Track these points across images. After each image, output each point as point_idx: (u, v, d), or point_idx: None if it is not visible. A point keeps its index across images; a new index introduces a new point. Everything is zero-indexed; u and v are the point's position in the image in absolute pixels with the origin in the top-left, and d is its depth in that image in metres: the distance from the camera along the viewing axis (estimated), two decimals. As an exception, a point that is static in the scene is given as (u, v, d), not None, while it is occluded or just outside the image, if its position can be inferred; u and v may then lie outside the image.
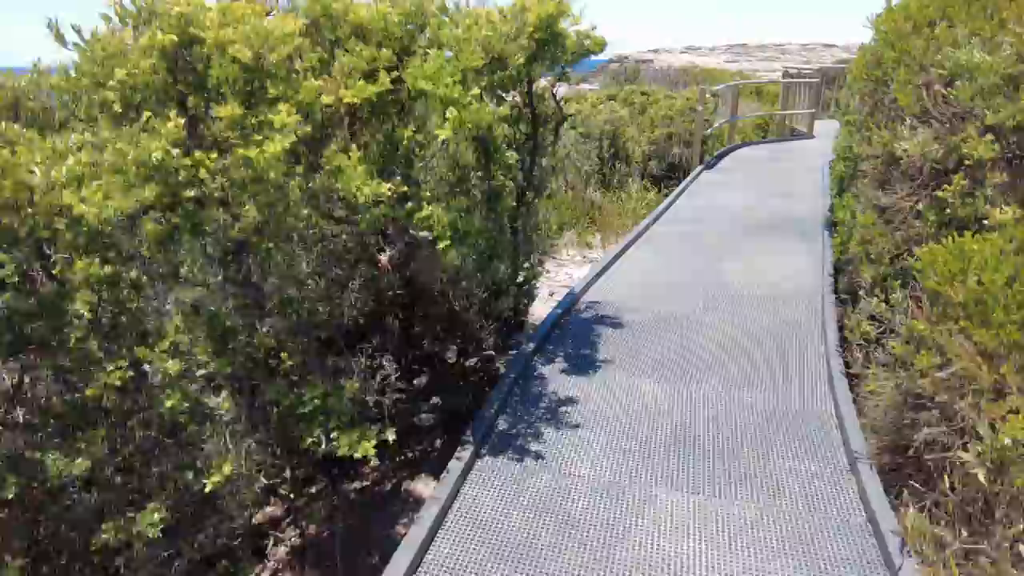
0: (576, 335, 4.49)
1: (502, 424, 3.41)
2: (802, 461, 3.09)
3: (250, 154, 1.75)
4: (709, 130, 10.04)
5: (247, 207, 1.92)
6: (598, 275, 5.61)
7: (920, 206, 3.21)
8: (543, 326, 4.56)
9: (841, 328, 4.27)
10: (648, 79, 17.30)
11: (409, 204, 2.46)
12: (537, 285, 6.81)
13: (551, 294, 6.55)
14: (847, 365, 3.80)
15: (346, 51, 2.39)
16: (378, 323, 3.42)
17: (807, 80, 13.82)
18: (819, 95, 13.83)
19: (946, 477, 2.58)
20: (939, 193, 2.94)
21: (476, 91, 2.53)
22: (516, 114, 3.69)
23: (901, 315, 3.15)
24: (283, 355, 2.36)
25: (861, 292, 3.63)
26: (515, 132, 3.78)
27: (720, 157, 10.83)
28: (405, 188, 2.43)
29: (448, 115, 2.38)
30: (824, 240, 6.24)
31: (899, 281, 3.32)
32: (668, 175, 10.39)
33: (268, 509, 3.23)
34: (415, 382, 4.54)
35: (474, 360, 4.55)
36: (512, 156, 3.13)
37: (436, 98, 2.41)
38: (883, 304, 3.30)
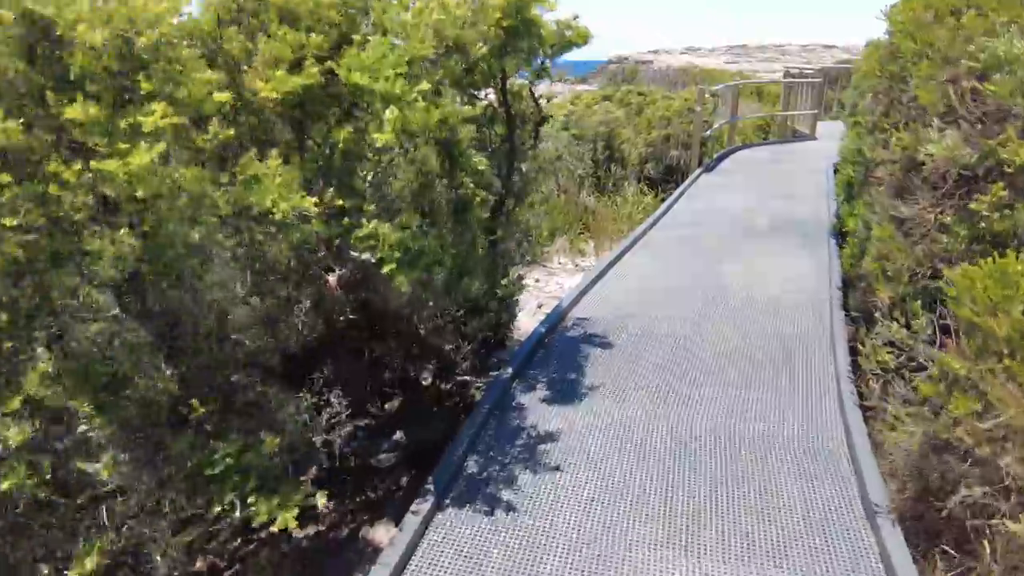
0: (562, 356, 4.09)
1: (471, 466, 3.01)
2: (812, 509, 2.69)
3: (107, 167, 1.37)
4: (708, 132, 9.66)
5: (123, 231, 1.53)
6: (587, 287, 5.22)
7: (947, 218, 2.81)
8: (525, 346, 4.16)
9: (853, 350, 3.87)
10: (647, 80, 16.89)
11: (346, 220, 2.07)
12: (522, 298, 6.43)
13: (539, 306, 6.15)
14: (860, 395, 3.40)
15: (269, 37, 2.01)
16: (330, 349, 3.02)
17: (809, 80, 13.42)
18: (821, 96, 13.43)
19: (986, 543, 2.18)
20: (972, 205, 2.54)
21: (424, 86, 2.13)
22: (490, 114, 3.29)
23: (925, 344, 2.75)
24: (193, 403, 1.96)
25: (877, 314, 3.23)
26: (489, 134, 3.38)
27: (720, 159, 10.43)
28: (341, 201, 2.04)
29: (388, 115, 1.98)
30: (831, 248, 5.84)
31: (921, 303, 2.92)
32: (665, 178, 10.00)
33: (199, 566, 2.83)
34: (387, 406, 4.15)
35: (450, 384, 4.15)
36: (481, 162, 2.74)
37: (375, 95, 2.02)
38: (903, 330, 2.89)
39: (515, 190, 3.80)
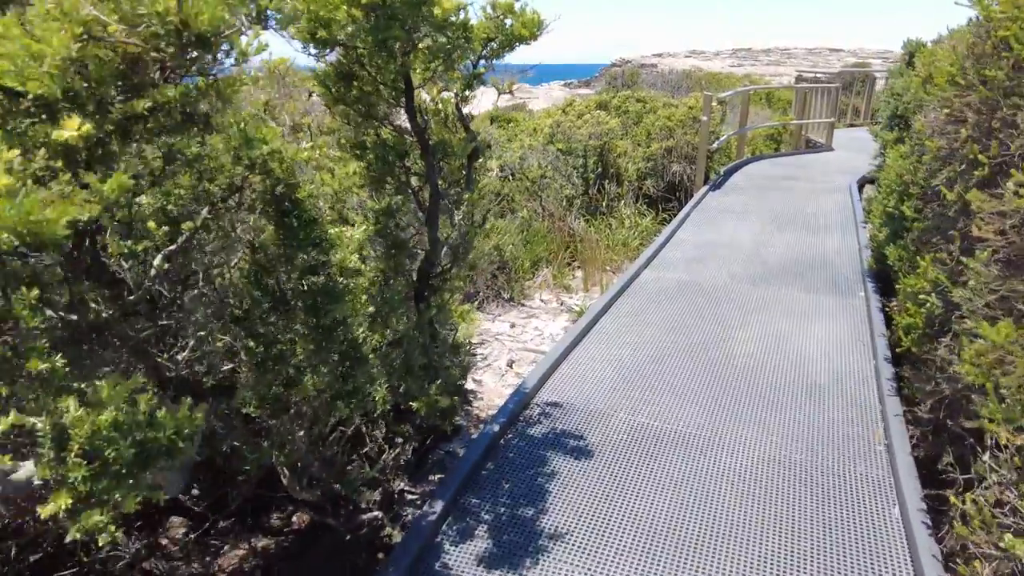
0: (518, 471, 2.97)
1: None
2: None
3: None
4: (715, 144, 8.53)
5: None
6: (560, 358, 4.08)
7: None
8: (468, 457, 3.02)
9: (925, 472, 2.73)
10: (648, 84, 15.81)
11: None
12: (492, 350, 5.29)
13: (511, 364, 5.02)
14: (947, 566, 2.26)
15: None
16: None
17: (824, 85, 12.29)
18: (837, 102, 12.29)
19: None
20: None
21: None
22: (377, 147, 2.17)
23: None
24: None
25: (985, 458, 2.09)
26: (398, 173, 2.27)
27: (728, 174, 9.30)
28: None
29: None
30: (870, 304, 4.68)
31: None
32: (667, 196, 8.86)
33: None
34: None
35: (354, 515, 3.01)
36: (337, 232, 1.63)
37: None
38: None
39: (449, 246, 2.68)
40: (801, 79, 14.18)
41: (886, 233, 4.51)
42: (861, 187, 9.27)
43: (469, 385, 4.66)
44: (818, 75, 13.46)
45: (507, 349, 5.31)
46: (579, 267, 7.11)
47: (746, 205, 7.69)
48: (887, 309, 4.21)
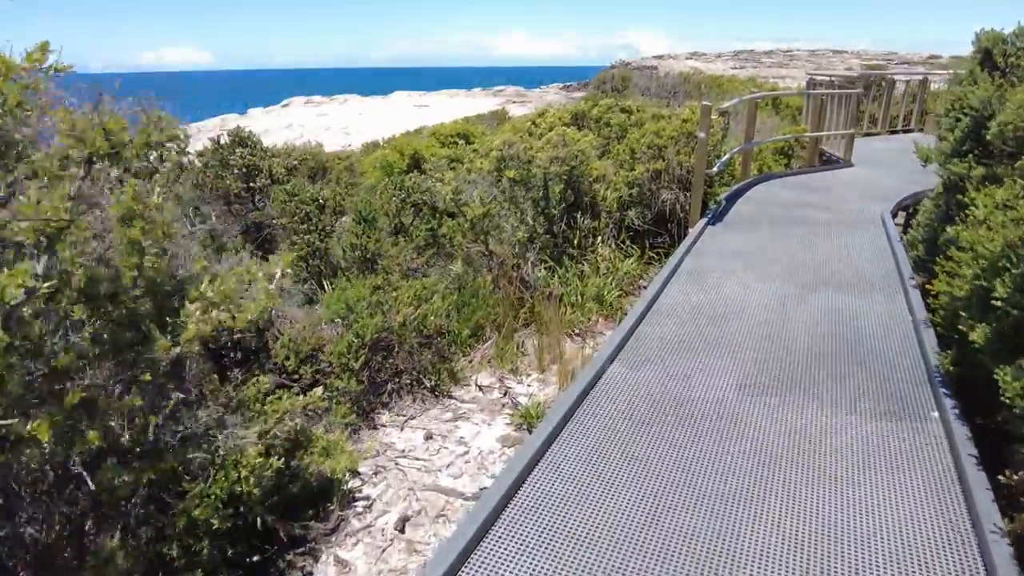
0: None
1: None
2: None
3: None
4: (716, 167, 6.85)
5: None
6: (490, 523, 2.41)
7: None
8: None
9: None
10: (641, 88, 14.09)
11: None
12: (381, 493, 3.62)
13: (403, 525, 3.32)
14: None
15: None
16: None
17: (843, 91, 10.61)
18: (858, 110, 10.61)
19: None
20: None
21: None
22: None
23: None
24: None
25: None
26: None
27: (731, 200, 7.61)
28: None
29: None
30: (956, 444, 2.97)
31: None
32: (656, 230, 7.19)
33: None
34: None
35: None
36: None
37: None
38: None
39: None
40: (814, 83, 12.50)
41: (985, 335, 2.82)
42: (894, 215, 7.58)
43: (327, 573, 2.98)
44: (832, 78, 11.79)
45: (407, 487, 3.62)
46: (536, 333, 5.43)
47: (754, 247, 6.01)
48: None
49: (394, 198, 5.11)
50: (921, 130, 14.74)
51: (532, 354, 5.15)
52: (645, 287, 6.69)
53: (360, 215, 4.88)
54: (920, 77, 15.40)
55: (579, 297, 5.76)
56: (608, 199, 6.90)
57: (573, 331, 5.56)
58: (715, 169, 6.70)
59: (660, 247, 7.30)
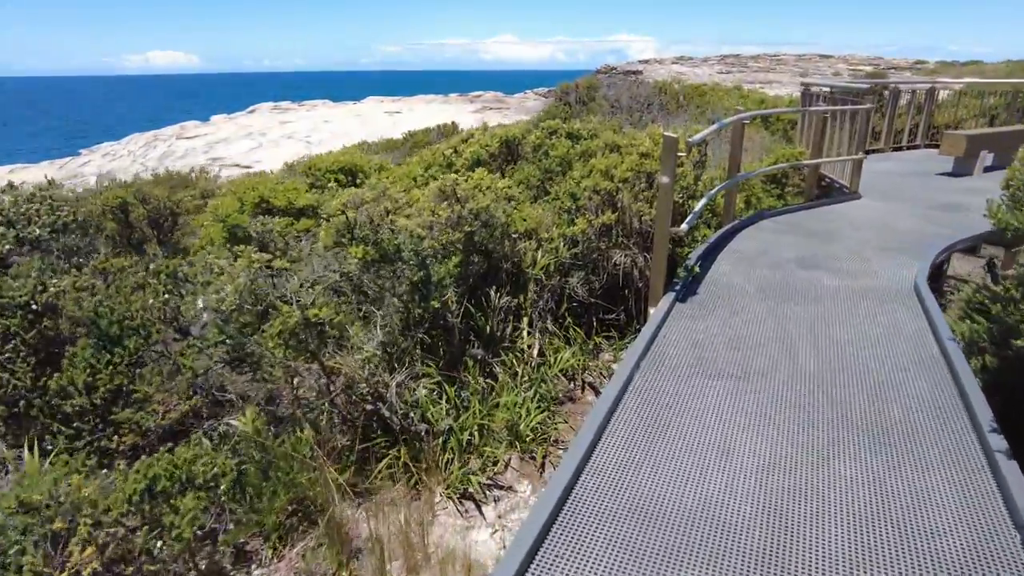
0: None
1: None
2: None
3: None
4: (687, 222, 4.90)
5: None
6: None
7: None
8: None
9: None
10: (611, 99, 12.10)
11: None
12: None
13: None
14: None
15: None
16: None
17: (844, 107, 8.75)
18: (867, 128, 8.75)
19: None
20: None
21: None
22: None
23: None
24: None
25: None
26: None
27: (710, 256, 5.68)
28: None
29: None
30: None
31: None
32: (607, 304, 5.27)
33: None
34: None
35: None
36: None
37: None
38: None
39: None
40: (810, 95, 10.62)
41: None
42: (934, 273, 5.68)
43: None
44: (832, 90, 9.94)
45: None
46: (405, 498, 3.46)
47: (739, 348, 4.08)
48: None
49: (156, 299, 3.17)
50: (932, 146, 12.96)
51: (395, 536, 3.17)
52: (591, 387, 4.77)
53: (100, 332, 2.93)
54: (927, 87, 13.62)
55: (478, 432, 3.81)
56: (540, 262, 4.96)
57: (464, 492, 3.60)
58: (684, 226, 4.75)
59: (611, 326, 5.37)
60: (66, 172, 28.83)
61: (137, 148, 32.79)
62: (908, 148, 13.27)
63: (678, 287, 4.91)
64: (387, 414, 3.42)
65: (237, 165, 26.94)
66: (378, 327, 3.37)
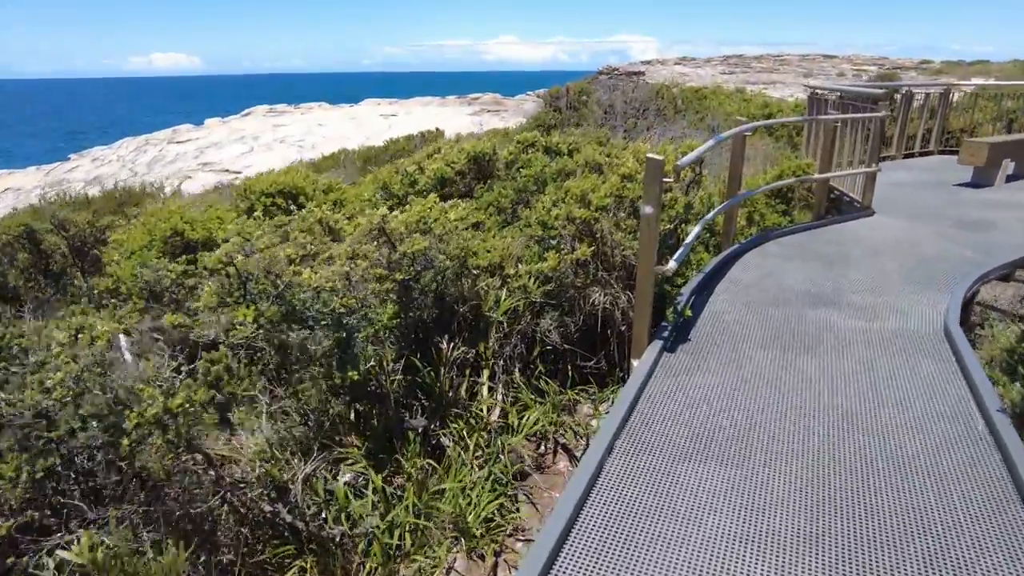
0: None
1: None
2: None
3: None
4: (675, 259, 4.12)
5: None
6: None
7: None
8: None
9: None
10: (603, 106, 11.31)
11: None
12: None
13: None
14: None
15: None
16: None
17: (856, 115, 7.98)
18: (881, 137, 7.98)
19: None
20: None
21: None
22: None
23: None
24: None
25: None
26: None
27: (702, 294, 4.92)
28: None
29: None
30: None
31: None
32: (585, 352, 4.51)
33: None
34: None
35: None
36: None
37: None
38: None
39: None
40: (817, 99, 9.84)
41: None
42: (964, 306, 4.90)
43: None
44: (841, 94, 9.17)
45: None
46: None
47: (739, 424, 3.32)
48: None
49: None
50: (946, 153, 12.18)
51: None
52: (565, 450, 4.04)
53: None
54: (941, 89, 12.83)
55: (411, 533, 3.06)
56: (504, 304, 4.21)
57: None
58: (673, 263, 3.99)
59: (590, 373, 4.63)
60: (52, 178, 28.17)
61: (127, 153, 32.13)
62: (920, 155, 12.49)
63: (667, 333, 4.16)
64: (289, 518, 2.67)
65: (227, 170, 26.24)
66: (264, 416, 2.63)
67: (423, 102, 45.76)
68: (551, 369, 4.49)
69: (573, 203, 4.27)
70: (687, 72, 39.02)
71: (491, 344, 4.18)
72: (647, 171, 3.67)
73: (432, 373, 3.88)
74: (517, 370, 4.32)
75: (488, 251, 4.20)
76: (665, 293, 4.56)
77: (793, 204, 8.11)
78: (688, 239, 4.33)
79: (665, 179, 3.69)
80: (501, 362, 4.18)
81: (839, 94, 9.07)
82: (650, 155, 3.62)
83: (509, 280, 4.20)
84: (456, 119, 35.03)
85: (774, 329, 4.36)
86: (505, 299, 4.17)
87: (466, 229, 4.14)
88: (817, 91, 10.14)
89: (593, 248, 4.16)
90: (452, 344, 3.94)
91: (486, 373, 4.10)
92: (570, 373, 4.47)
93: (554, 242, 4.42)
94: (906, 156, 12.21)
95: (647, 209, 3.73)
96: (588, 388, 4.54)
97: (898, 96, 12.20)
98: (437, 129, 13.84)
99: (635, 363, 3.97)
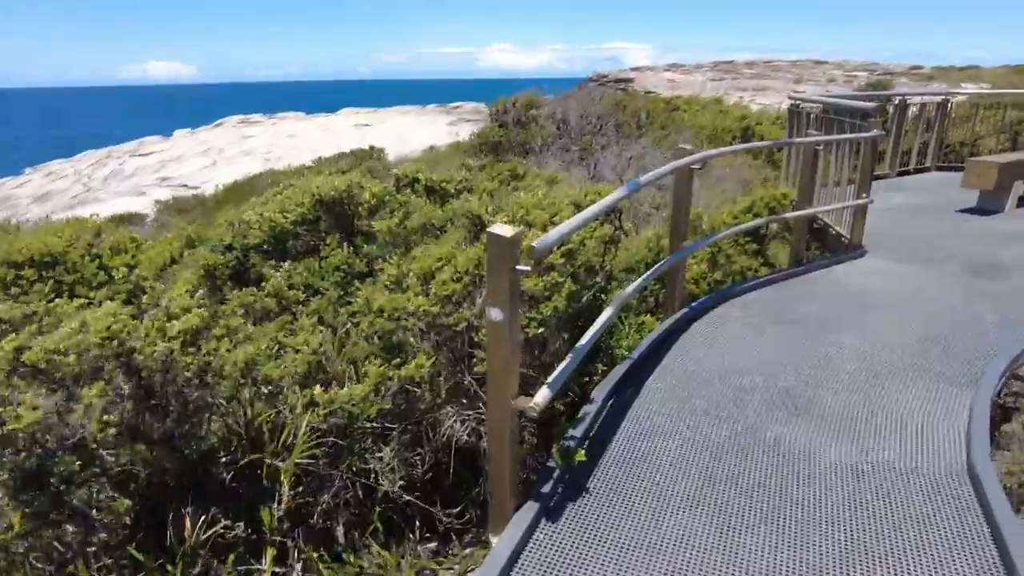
0: None
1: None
2: None
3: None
4: (547, 387, 2.65)
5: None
6: None
7: None
8: None
9: None
10: (555, 121, 9.77)
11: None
12: None
13: None
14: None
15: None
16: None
17: (843, 136, 6.59)
18: (874, 161, 6.56)
19: None
20: None
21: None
22: None
23: None
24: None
25: None
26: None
27: (621, 395, 3.47)
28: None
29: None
30: None
31: None
32: (429, 508, 3.06)
33: None
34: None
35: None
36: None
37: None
38: None
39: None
40: (799, 112, 8.43)
41: None
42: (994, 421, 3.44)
43: None
44: (825, 105, 7.76)
45: None
46: None
47: None
48: None
49: None
50: (944, 169, 10.82)
51: None
52: None
53: None
54: (939, 98, 11.45)
55: None
56: (300, 447, 2.76)
57: None
58: (540, 397, 2.52)
59: (455, 527, 3.18)
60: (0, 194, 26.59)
61: (85, 167, 30.58)
62: (916, 171, 11.10)
63: (548, 487, 2.71)
64: None
65: (185, 186, 24.75)
66: None
67: (402, 111, 44.33)
68: (396, 527, 3.04)
69: (416, 284, 2.85)
70: (676, 79, 37.78)
71: (284, 503, 2.73)
72: (489, 256, 2.23)
73: (170, 564, 2.43)
74: (341, 531, 2.87)
75: (278, 364, 2.76)
76: (553, 411, 3.11)
77: (767, 241, 6.69)
78: (584, 339, 2.87)
79: (520, 267, 2.26)
80: (299, 532, 2.74)
81: (823, 107, 7.66)
82: (491, 231, 2.18)
83: (317, 404, 2.75)
84: (432, 128, 33.60)
85: (716, 468, 2.91)
86: (302, 437, 2.72)
87: (247, 322, 2.69)
88: (799, 103, 8.73)
89: (430, 360, 2.73)
90: (203, 517, 2.49)
91: (270, 554, 2.65)
92: (416, 535, 3.01)
93: (395, 340, 2.98)
94: (900, 173, 10.83)
95: (494, 314, 2.29)
96: (448, 549, 3.09)
97: (891, 108, 10.83)
98: (371, 147, 12.27)
99: (493, 543, 2.53)
